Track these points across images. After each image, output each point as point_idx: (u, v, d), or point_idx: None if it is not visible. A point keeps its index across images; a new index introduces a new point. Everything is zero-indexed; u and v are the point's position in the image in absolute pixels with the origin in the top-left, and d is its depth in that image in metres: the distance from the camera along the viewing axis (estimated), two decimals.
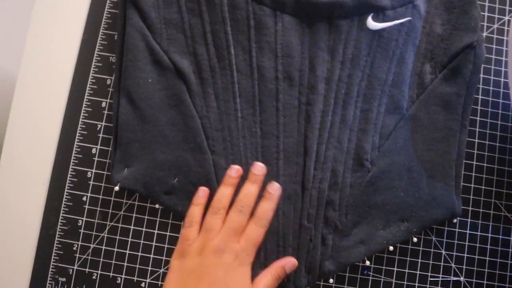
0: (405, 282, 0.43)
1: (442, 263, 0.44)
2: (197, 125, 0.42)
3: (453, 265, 0.44)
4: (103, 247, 0.43)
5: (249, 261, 0.38)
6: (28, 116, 0.45)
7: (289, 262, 0.40)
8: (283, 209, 0.42)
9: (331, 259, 0.41)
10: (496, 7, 0.48)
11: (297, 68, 0.43)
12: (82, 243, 0.43)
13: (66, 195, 0.43)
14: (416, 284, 0.43)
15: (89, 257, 0.42)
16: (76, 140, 0.44)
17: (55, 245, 0.43)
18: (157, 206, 0.43)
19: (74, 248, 0.43)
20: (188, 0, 0.43)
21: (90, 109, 0.45)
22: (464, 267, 0.44)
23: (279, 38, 0.43)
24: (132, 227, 0.43)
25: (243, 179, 0.41)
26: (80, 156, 0.44)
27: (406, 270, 0.43)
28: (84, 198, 0.43)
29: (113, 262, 0.42)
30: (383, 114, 0.43)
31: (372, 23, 0.43)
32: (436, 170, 0.43)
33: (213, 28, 0.43)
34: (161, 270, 0.42)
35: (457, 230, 0.44)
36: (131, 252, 0.43)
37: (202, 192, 0.41)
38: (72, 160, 0.44)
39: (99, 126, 0.44)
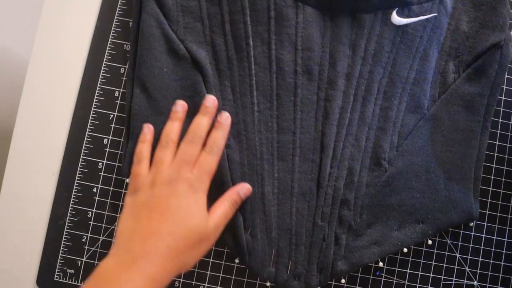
0: (417, 285, 0.43)
1: (456, 267, 0.43)
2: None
3: (467, 269, 0.43)
4: (113, 240, 0.42)
5: (203, 189, 0.38)
6: (39, 104, 0.44)
7: (243, 187, 0.40)
8: (297, 207, 0.41)
9: (344, 259, 0.41)
10: None
11: (317, 62, 0.41)
12: (91, 235, 0.42)
13: (76, 186, 0.43)
14: (429, 287, 0.43)
15: (98, 250, 0.42)
16: (88, 130, 0.43)
17: (64, 236, 0.42)
18: None
19: (83, 240, 0.42)
20: None
21: (103, 98, 0.44)
22: (478, 271, 0.43)
23: (299, 31, 0.41)
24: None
25: (255, 172, 0.40)
26: (91, 146, 0.43)
27: (419, 273, 0.43)
28: (95, 190, 0.43)
29: None
30: (403, 113, 0.42)
31: (396, 18, 0.41)
32: (454, 172, 0.42)
33: (232, 18, 0.41)
34: None
35: (473, 233, 0.44)
36: None
37: (147, 128, 0.40)
38: (83, 151, 0.43)
39: (112, 116, 0.43)
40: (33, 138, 0.43)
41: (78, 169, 0.43)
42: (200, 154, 0.38)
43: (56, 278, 0.42)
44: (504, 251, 0.44)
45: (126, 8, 0.45)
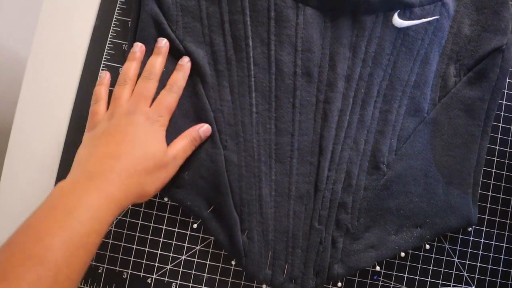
0: None
1: (454, 271, 0.43)
2: (210, 118, 0.41)
3: (465, 274, 0.43)
4: (110, 241, 0.42)
5: (162, 122, 0.39)
6: (37, 103, 0.44)
7: (203, 126, 0.40)
8: (294, 209, 0.41)
9: (341, 263, 0.40)
10: None
11: (316, 64, 0.41)
12: None
13: None
14: None
15: (96, 251, 0.42)
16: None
17: None
18: (166, 199, 0.42)
19: None
20: None
21: None
22: (476, 276, 0.43)
23: (299, 32, 0.41)
24: (140, 221, 0.42)
25: (252, 174, 0.40)
26: None
27: (417, 277, 0.43)
28: None
29: (120, 256, 0.42)
30: (403, 116, 0.42)
31: (398, 21, 0.41)
32: (453, 176, 0.42)
33: (231, 18, 0.41)
34: (168, 267, 0.42)
35: (471, 238, 0.43)
36: (138, 247, 0.42)
37: (104, 73, 0.42)
38: None
39: None
40: (32, 136, 0.43)
41: None
42: (160, 92, 0.40)
43: None
44: (502, 256, 0.43)
45: (126, 7, 0.44)
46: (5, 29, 0.69)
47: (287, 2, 0.41)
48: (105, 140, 0.36)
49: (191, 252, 0.42)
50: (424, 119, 0.42)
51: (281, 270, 0.40)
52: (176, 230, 0.42)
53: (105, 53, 0.44)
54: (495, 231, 0.44)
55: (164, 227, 0.42)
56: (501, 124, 0.45)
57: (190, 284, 0.42)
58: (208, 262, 0.42)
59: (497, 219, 0.44)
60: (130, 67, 0.40)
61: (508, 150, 0.44)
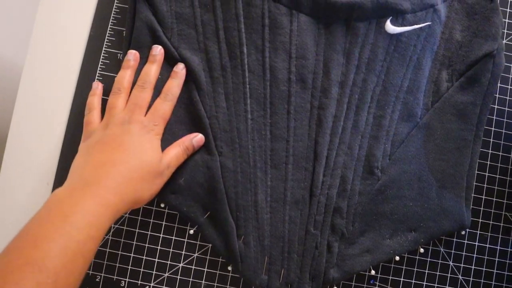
0: None
1: (449, 275, 0.43)
2: (206, 125, 0.41)
3: (460, 277, 0.43)
4: (107, 250, 0.42)
5: (157, 131, 0.39)
6: (33, 112, 0.44)
7: (197, 136, 0.41)
8: (290, 215, 0.41)
9: (336, 267, 0.41)
10: None
11: (310, 70, 0.42)
12: None
13: None
14: None
15: (93, 260, 0.42)
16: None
17: None
18: (162, 206, 0.42)
19: None
20: None
21: None
22: (471, 279, 0.43)
23: (293, 39, 0.41)
24: (137, 230, 0.42)
25: (248, 180, 0.40)
26: None
27: (413, 281, 0.43)
28: None
29: (117, 265, 0.42)
30: (396, 121, 0.42)
31: (390, 27, 0.41)
32: (447, 180, 0.42)
33: (226, 25, 0.41)
34: (166, 274, 0.42)
35: (465, 241, 0.44)
36: (136, 255, 0.42)
37: (96, 84, 0.42)
38: None
39: None
40: (27, 146, 0.43)
41: None
42: (155, 101, 0.40)
43: None
44: (496, 259, 0.44)
45: (120, 17, 0.44)
46: (0, 39, 0.69)
47: (281, 9, 0.41)
48: (100, 148, 0.36)
49: (188, 260, 0.42)
50: (417, 124, 0.42)
51: (277, 275, 0.40)
52: (173, 238, 0.42)
53: (100, 63, 0.44)
54: (489, 234, 0.44)
55: (161, 235, 0.42)
56: (493, 128, 0.45)
57: None
58: (205, 269, 0.42)
59: (491, 222, 0.44)
60: (124, 76, 0.40)
61: (500, 153, 0.45)
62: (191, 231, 0.42)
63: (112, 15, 0.44)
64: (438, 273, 0.43)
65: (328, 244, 0.41)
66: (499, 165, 0.45)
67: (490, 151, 0.45)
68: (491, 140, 0.45)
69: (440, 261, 0.43)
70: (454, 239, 0.44)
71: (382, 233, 0.41)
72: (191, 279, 0.42)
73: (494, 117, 0.45)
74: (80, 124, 0.42)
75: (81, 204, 0.31)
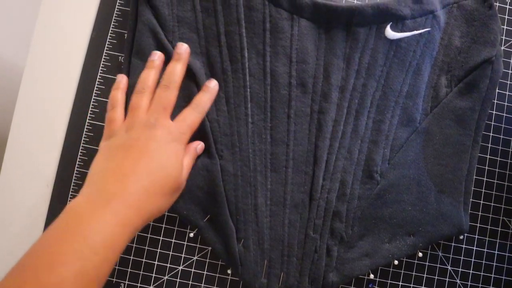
0: None
1: (447, 279, 0.44)
2: (206, 128, 0.41)
3: (458, 281, 0.43)
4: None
5: (183, 140, 0.37)
6: (33, 115, 0.44)
7: (199, 144, 0.40)
8: (289, 218, 0.41)
9: (335, 271, 0.41)
10: None
11: (311, 74, 0.42)
12: None
13: (71, 197, 0.42)
14: None
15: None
16: (82, 141, 0.43)
17: None
18: None
19: None
20: None
21: (97, 110, 0.43)
22: (469, 283, 0.44)
23: (294, 43, 0.42)
24: (137, 233, 0.42)
25: (248, 183, 0.40)
26: (86, 158, 0.43)
27: (411, 285, 0.43)
28: None
29: (117, 267, 0.42)
30: (396, 126, 0.42)
31: (390, 33, 0.42)
32: (445, 185, 0.42)
33: (227, 30, 0.42)
34: (165, 277, 0.42)
35: (464, 246, 0.44)
36: (135, 258, 0.42)
37: (121, 77, 0.40)
38: (77, 162, 0.43)
39: None
40: (27, 148, 0.43)
41: (73, 181, 0.42)
42: (184, 109, 0.38)
43: None
44: (494, 264, 0.44)
45: (122, 19, 0.44)
46: (1, 39, 0.69)
47: (282, 14, 0.41)
48: (123, 154, 0.34)
49: (188, 263, 0.42)
50: (416, 129, 0.43)
51: (276, 278, 0.41)
52: (173, 240, 0.42)
53: (101, 65, 0.44)
54: (487, 238, 0.44)
55: (161, 237, 0.42)
56: (491, 134, 0.45)
57: None
58: (205, 272, 0.42)
59: (489, 226, 0.44)
60: (149, 74, 0.38)
61: (498, 159, 0.45)
62: (191, 234, 0.42)
63: (113, 17, 0.44)
64: (436, 277, 0.43)
65: (327, 248, 0.41)
66: (497, 170, 0.45)
67: (488, 156, 0.45)
68: (489, 145, 0.45)
69: (438, 266, 0.44)
70: (452, 244, 0.44)
71: (381, 237, 0.41)
72: (190, 282, 0.42)
73: (492, 123, 0.46)
74: (81, 126, 0.42)
75: (101, 224, 0.30)
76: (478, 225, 0.44)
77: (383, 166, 0.42)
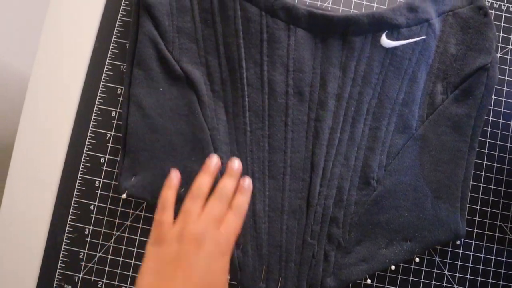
0: None
1: (444, 284, 0.44)
2: (206, 136, 0.42)
3: (455, 286, 0.44)
4: (109, 256, 0.43)
5: (229, 250, 0.37)
6: (38, 123, 0.45)
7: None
8: (287, 224, 0.42)
9: (333, 276, 0.41)
10: (511, 28, 0.47)
11: (308, 83, 0.43)
12: (88, 252, 0.43)
13: (74, 203, 0.44)
14: None
15: (95, 266, 0.43)
16: (85, 149, 0.44)
17: (61, 252, 0.43)
18: None
19: (80, 256, 0.43)
20: (202, 10, 0.43)
21: (100, 118, 0.45)
22: None
23: (291, 53, 0.42)
24: (138, 237, 0.43)
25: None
26: (89, 165, 0.44)
27: None
28: (92, 207, 0.44)
29: (118, 271, 0.43)
30: (392, 133, 0.43)
31: (386, 41, 0.42)
32: (442, 191, 0.43)
33: (225, 40, 0.43)
34: None
35: (461, 251, 0.44)
36: (136, 262, 0.43)
37: (175, 174, 0.39)
38: (80, 169, 0.44)
39: (108, 135, 0.45)
40: (33, 156, 0.44)
41: (76, 187, 0.44)
42: (227, 213, 0.37)
43: None
44: (491, 269, 0.44)
45: (124, 30, 0.46)
46: (8, 48, 0.71)
47: (279, 24, 0.42)
48: (173, 272, 0.34)
49: None
50: (412, 135, 0.43)
51: (275, 283, 0.41)
52: None
53: (104, 74, 0.45)
54: (484, 244, 0.44)
55: None
56: (488, 140, 0.46)
57: None
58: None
59: (486, 232, 0.45)
60: (204, 181, 0.38)
61: (495, 164, 0.46)
62: None
63: (116, 28, 0.46)
64: (433, 282, 0.44)
65: (324, 253, 0.42)
66: (493, 175, 0.45)
67: (484, 162, 0.46)
68: (486, 151, 0.46)
69: (435, 271, 0.44)
70: (449, 249, 0.44)
71: (378, 242, 0.42)
72: None
73: (489, 129, 0.46)
74: (84, 133, 0.44)
75: None
76: (475, 230, 0.45)
77: (380, 172, 0.43)
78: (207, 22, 0.43)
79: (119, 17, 0.46)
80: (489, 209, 0.45)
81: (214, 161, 0.39)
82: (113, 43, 0.46)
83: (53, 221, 0.43)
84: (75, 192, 0.44)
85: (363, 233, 0.42)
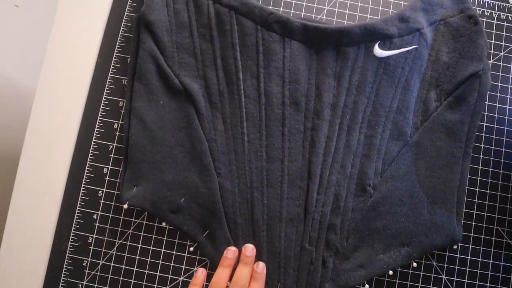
0: None
1: None
2: (205, 147, 0.43)
3: None
4: (112, 264, 0.44)
5: None
6: (43, 135, 0.47)
7: None
8: (286, 231, 0.43)
9: (331, 282, 0.42)
10: (503, 35, 0.48)
11: (303, 93, 0.44)
12: (91, 260, 0.44)
13: (78, 212, 0.45)
14: None
15: (98, 273, 0.44)
16: (89, 160, 0.46)
17: (65, 260, 0.44)
18: (163, 224, 0.45)
19: (84, 264, 0.44)
20: (200, 25, 0.44)
21: (103, 130, 0.46)
22: None
23: (287, 64, 0.43)
24: (139, 245, 0.44)
25: (245, 199, 0.42)
26: (92, 175, 0.45)
27: None
28: (95, 216, 0.45)
29: (121, 278, 0.44)
30: (387, 140, 0.44)
31: (378, 51, 0.43)
32: (437, 196, 0.43)
33: (223, 54, 0.44)
34: None
35: (458, 255, 0.45)
36: (138, 270, 0.44)
37: (201, 272, 0.41)
38: (84, 179, 0.45)
39: (111, 146, 0.46)
40: (38, 167, 0.46)
41: (80, 197, 0.45)
42: None
43: None
44: (489, 273, 0.44)
45: (125, 45, 0.47)
46: (15, 64, 0.73)
47: (274, 37, 0.43)
48: None
49: (188, 274, 0.44)
50: (407, 142, 0.44)
51: None
52: (174, 252, 0.44)
53: (106, 88, 0.47)
54: (481, 248, 0.45)
55: (162, 250, 0.44)
56: (482, 145, 0.46)
57: None
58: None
59: (483, 236, 0.45)
60: (223, 276, 0.40)
61: (490, 169, 0.46)
62: (191, 249, 0.44)
63: (117, 44, 0.47)
64: (431, 286, 0.44)
65: (323, 260, 0.42)
66: (489, 180, 0.46)
67: (480, 167, 0.46)
68: (481, 156, 0.46)
69: (433, 275, 0.44)
70: (447, 253, 0.45)
71: (376, 248, 0.43)
72: None
73: (484, 134, 0.47)
74: (87, 145, 0.45)
75: None
76: (472, 234, 0.45)
77: (376, 179, 0.43)
78: (205, 36, 0.44)
79: (120, 33, 0.48)
80: (486, 214, 0.45)
81: (231, 253, 0.42)
82: (115, 58, 0.47)
83: (58, 230, 0.45)
84: (79, 202, 0.45)
85: (361, 239, 0.43)
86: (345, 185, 0.43)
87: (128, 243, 0.44)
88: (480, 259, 0.45)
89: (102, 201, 0.45)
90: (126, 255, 0.44)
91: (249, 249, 0.42)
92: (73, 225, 0.45)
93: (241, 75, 0.44)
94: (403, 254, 0.43)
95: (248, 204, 0.43)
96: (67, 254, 0.44)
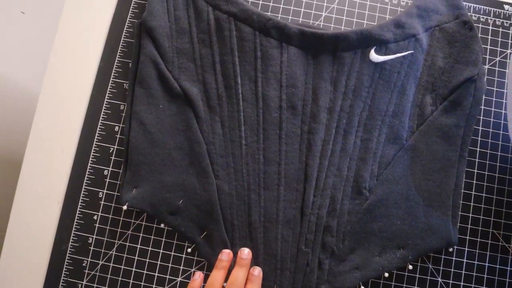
0: None
1: None
2: (203, 150, 0.44)
3: None
4: (111, 264, 0.45)
5: None
6: (46, 137, 0.48)
7: None
8: (282, 234, 0.43)
9: (327, 283, 0.42)
10: (498, 40, 0.49)
11: (300, 98, 0.44)
12: (91, 260, 0.45)
13: (78, 213, 0.46)
14: None
15: (98, 273, 0.45)
16: (90, 161, 0.47)
17: (66, 260, 0.45)
18: (162, 225, 0.45)
19: (84, 264, 0.45)
20: (200, 31, 0.45)
21: (104, 133, 0.47)
22: None
23: (284, 69, 0.44)
24: (139, 246, 0.45)
25: (242, 201, 0.43)
26: (93, 177, 0.46)
27: None
28: (95, 217, 0.46)
29: (120, 279, 0.45)
30: (383, 144, 0.44)
31: (374, 56, 0.44)
32: (433, 199, 0.44)
33: (222, 59, 0.45)
34: None
35: (454, 258, 0.45)
36: (137, 270, 0.45)
37: (198, 275, 0.42)
38: (85, 181, 0.46)
39: (112, 149, 0.47)
40: (40, 169, 0.47)
41: (81, 198, 0.46)
42: None
43: None
44: (485, 276, 0.45)
45: (126, 51, 0.48)
46: (20, 68, 0.75)
47: (271, 43, 0.44)
48: None
49: (186, 274, 0.45)
50: (403, 146, 0.44)
51: None
52: (172, 253, 0.45)
53: (108, 92, 0.48)
54: (477, 251, 0.45)
55: (161, 250, 0.45)
56: (478, 149, 0.47)
57: None
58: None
59: (478, 239, 0.45)
60: (217, 277, 0.41)
61: (486, 173, 0.46)
62: (189, 250, 0.45)
63: (119, 49, 0.48)
64: None
65: (319, 261, 0.43)
66: (485, 184, 0.46)
67: (475, 171, 0.46)
68: (477, 160, 0.47)
69: (428, 278, 0.44)
70: (443, 256, 0.45)
71: (371, 250, 0.43)
72: None
73: (479, 138, 0.47)
74: (89, 147, 0.46)
75: None
76: (468, 237, 0.45)
77: (372, 182, 0.44)
78: (205, 42, 0.45)
79: (122, 39, 0.49)
80: (481, 217, 0.46)
81: (225, 255, 0.42)
82: (116, 63, 0.48)
83: (59, 231, 0.45)
84: (79, 203, 0.46)
85: (357, 241, 0.43)
86: (341, 187, 0.44)
87: (128, 243, 0.45)
88: (476, 262, 0.45)
89: (102, 202, 0.46)
90: (125, 255, 0.45)
91: (245, 252, 0.42)
92: (74, 226, 0.46)
93: (239, 80, 0.44)
94: (398, 257, 0.43)
95: (245, 206, 0.43)
96: (67, 254, 0.45)
